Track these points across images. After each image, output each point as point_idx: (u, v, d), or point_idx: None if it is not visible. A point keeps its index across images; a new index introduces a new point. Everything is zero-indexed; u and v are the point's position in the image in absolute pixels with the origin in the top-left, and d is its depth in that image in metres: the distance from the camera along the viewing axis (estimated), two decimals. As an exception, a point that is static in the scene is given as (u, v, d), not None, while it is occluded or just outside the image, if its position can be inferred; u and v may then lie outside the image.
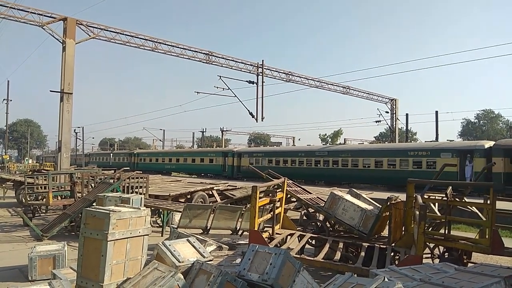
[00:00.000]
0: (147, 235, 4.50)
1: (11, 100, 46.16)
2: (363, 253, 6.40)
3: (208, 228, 9.62)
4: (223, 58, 28.19)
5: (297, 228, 8.06)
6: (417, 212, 5.64)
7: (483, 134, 71.47)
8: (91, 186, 12.43)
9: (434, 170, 22.31)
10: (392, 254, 6.45)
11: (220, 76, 26.85)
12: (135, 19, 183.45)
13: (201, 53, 27.22)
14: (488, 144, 22.13)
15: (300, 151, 32.90)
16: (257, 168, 35.10)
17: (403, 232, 6.76)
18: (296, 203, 12.46)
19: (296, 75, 32.45)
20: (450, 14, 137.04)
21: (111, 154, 58.54)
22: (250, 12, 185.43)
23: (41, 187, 13.80)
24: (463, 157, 21.94)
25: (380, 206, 7.48)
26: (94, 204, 8.82)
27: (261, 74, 28.05)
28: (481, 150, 21.63)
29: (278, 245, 6.72)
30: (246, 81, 27.84)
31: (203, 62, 27.49)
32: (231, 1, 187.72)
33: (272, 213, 7.23)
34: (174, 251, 4.35)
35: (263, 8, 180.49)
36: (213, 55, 27.68)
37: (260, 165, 32.97)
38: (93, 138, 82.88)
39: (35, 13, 20.65)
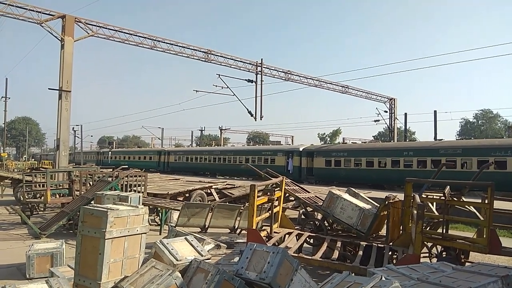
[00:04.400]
0: (145, 233, 4.49)
1: (9, 98, 46.09)
2: (361, 252, 6.41)
3: (206, 226, 9.61)
4: (222, 56, 28.17)
5: (295, 227, 8.06)
6: (415, 211, 5.65)
7: (481, 134, 71.59)
8: (89, 184, 12.41)
9: (273, 164, 32.53)
10: (390, 253, 6.46)
11: (219, 75, 26.91)
12: (134, 18, 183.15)
13: (200, 51, 27.20)
14: (302, 147, 33.15)
15: (205, 151, 44.32)
16: (178, 163, 42.05)
17: (401, 231, 6.77)
18: (294, 202, 12.47)
19: (295, 74, 32.47)
20: (449, 14, 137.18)
21: (82, 153, 66.10)
22: (249, 11, 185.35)
23: (39, 185, 13.77)
24: (288, 156, 33.01)
25: (378, 205, 7.49)
26: (92, 202, 8.80)
27: (260, 72, 28.06)
28: (298, 151, 32.60)
29: (276, 244, 6.72)
30: (245, 79, 27.88)
31: (202, 60, 27.49)
32: (230, 1, 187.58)
33: (270, 212, 7.23)
34: (172, 249, 4.35)
35: (263, 7, 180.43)
36: (212, 54, 27.65)
37: (181, 161, 44.58)
38: (91, 136, 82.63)
39: (33, 11, 20.61)
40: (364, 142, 42.21)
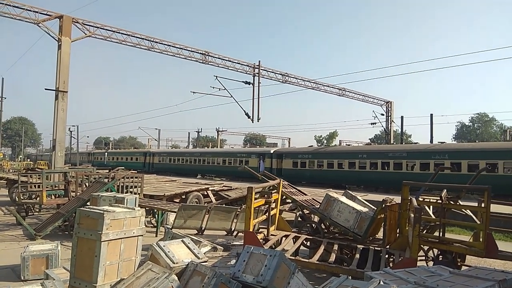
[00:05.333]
0: (141, 235, 4.46)
1: (5, 98, 45.73)
2: (357, 255, 6.40)
3: (203, 228, 9.57)
4: (219, 58, 28.14)
5: (292, 230, 8.05)
6: (412, 215, 5.65)
7: (477, 137, 71.87)
8: (85, 185, 12.34)
9: (247, 166, 34.19)
10: (386, 256, 6.46)
11: (216, 76, 26.82)
12: (131, 18, 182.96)
13: (198, 53, 27.16)
14: (273, 150, 36.79)
15: (186, 152, 48.01)
16: (162, 164, 45.92)
17: (397, 235, 6.77)
18: (291, 204, 12.45)
19: (292, 76, 32.48)
20: (445, 18, 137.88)
21: (78, 154, 68.83)
22: (247, 14, 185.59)
23: (34, 186, 13.69)
24: (260, 158, 35.54)
25: (375, 208, 7.49)
26: (88, 203, 8.75)
27: (257, 75, 28.04)
28: (269, 154, 35.44)
29: (273, 246, 6.71)
30: (243, 81, 27.81)
31: (199, 62, 27.42)
32: (229, 2, 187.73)
33: (267, 214, 7.22)
34: (168, 252, 4.32)
35: (261, 9, 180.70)
36: (209, 55, 27.61)
37: (165, 162, 47.37)
38: (87, 137, 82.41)
39: (30, 11, 20.51)
40: (357, 145, 42.39)
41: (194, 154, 44.50)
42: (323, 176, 29.62)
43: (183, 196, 14.14)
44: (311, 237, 7.56)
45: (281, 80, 31.77)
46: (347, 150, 31.85)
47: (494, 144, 25.78)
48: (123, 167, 21.71)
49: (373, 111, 38.60)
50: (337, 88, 35.21)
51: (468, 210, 7.19)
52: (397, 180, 25.96)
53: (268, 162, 34.48)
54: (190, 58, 27.02)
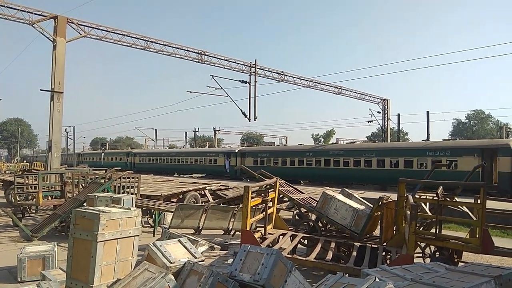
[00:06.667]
0: (138, 235, 4.45)
1: (0, 99, 45.73)
2: (354, 253, 6.41)
3: (200, 228, 9.57)
4: (215, 57, 28.07)
5: (289, 228, 8.05)
6: (408, 212, 5.67)
7: (473, 134, 72.14)
8: (82, 186, 12.30)
9: (216, 164, 38.83)
10: (383, 253, 6.47)
11: (212, 76, 26.78)
12: (125, 17, 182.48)
13: (193, 52, 27.08)
14: (238, 149, 38.69)
15: (163, 152, 50.79)
16: (142, 164, 48.38)
17: (394, 232, 6.79)
18: (288, 203, 12.47)
19: (289, 75, 32.45)
20: (441, 14, 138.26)
21: (75, 154, 69.83)
22: (242, 12, 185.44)
23: (31, 187, 13.64)
24: (227, 156, 37.75)
25: (372, 206, 7.51)
26: (85, 204, 8.73)
27: (253, 73, 27.99)
28: (234, 153, 37.38)
29: (270, 245, 6.70)
30: (239, 80, 27.77)
31: (195, 61, 27.35)
32: (225, 1, 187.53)
33: (264, 213, 7.21)
34: (165, 251, 4.31)
35: (256, 8, 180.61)
36: (205, 55, 27.54)
37: (145, 162, 49.73)
38: (84, 137, 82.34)
39: (25, 11, 20.37)
40: (352, 143, 42.46)
41: (170, 154, 47.73)
42: (278, 172, 30.31)
43: (180, 196, 14.11)
44: (308, 235, 7.56)
45: (277, 79, 31.73)
46: (296, 149, 34.46)
47: (409, 144, 28.72)
48: (120, 167, 21.68)
49: (369, 109, 38.70)
50: (334, 86, 35.24)
51: (464, 207, 7.22)
52: (337, 175, 28.64)
53: (234, 160, 36.78)
54: (186, 58, 26.93)
